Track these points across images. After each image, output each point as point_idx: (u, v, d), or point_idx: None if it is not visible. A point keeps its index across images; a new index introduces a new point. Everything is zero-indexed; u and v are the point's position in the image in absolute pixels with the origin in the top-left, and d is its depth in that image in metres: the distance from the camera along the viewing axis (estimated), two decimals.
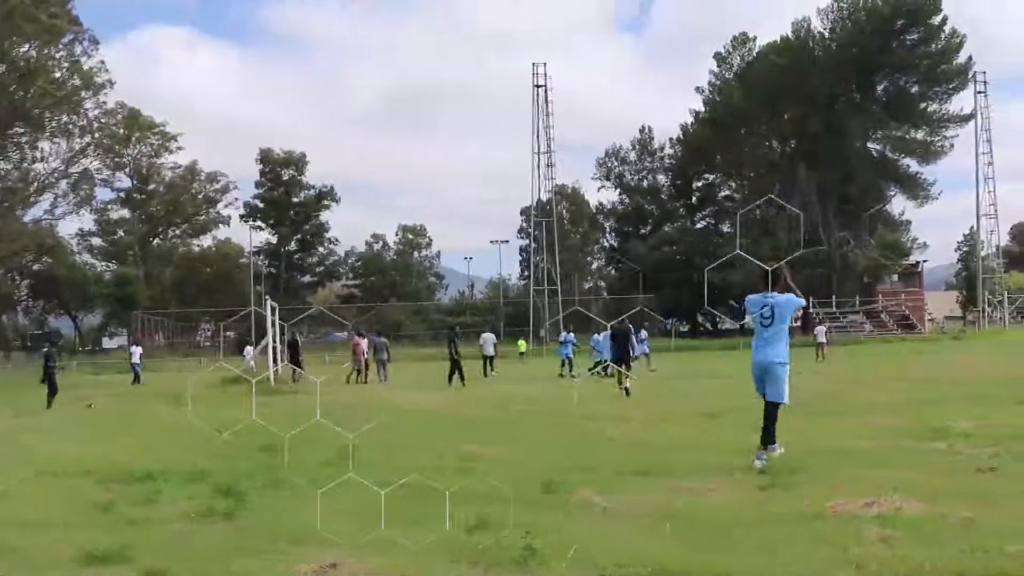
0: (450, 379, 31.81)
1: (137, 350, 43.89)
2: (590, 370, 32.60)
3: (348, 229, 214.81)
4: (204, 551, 7.44)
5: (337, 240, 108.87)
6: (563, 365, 38.04)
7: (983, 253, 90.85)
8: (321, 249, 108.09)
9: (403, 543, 7.14)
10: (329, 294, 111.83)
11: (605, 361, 31.16)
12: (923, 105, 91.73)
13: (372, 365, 36.56)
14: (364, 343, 37.27)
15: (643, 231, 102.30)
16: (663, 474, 10.45)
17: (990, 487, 8.96)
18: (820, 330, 50.01)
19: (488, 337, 39.64)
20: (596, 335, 37.82)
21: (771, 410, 11.24)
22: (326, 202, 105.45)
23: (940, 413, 15.78)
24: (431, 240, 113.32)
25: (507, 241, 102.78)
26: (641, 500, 8.90)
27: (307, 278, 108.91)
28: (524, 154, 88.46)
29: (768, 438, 11.15)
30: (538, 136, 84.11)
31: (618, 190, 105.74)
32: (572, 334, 40.40)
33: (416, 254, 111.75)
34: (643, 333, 40.07)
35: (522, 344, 60.06)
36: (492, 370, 38.04)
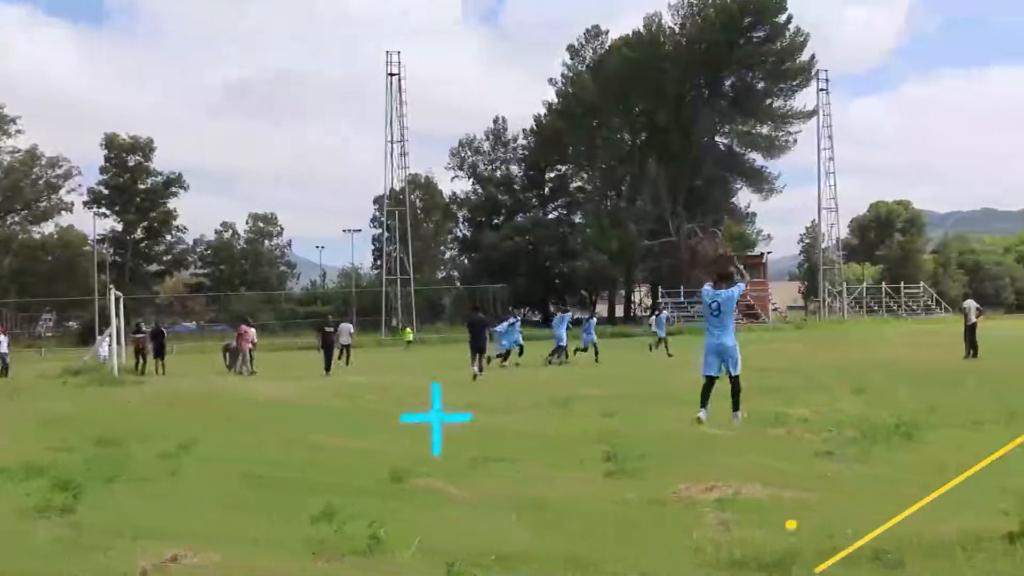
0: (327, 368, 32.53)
1: (4, 339, 41.45)
2: (498, 356, 33.29)
3: (197, 217, 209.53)
4: (40, 548, 7.16)
5: (185, 228, 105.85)
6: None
7: (824, 245, 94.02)
8: (169, 237, 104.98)
9: (246, 535, 7.01)
10: (177, 283, 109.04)
11: (511, 349, 33.39)
12: (768, 101, 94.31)
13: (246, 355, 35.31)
14: (252, 332, 36.41)
15: (496, 221, 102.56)
16: (512, 461, 10.48)
17: (825, 471, 9.28)
18: (663, 317, 51.41)
19: (345, 327, 40.13)
20: (501, 323, 37.37)
21: (735, 382, 13.66)
22: (174, 189, 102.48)
23: (780, 400, 16.29)
24: (282, 229, 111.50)
25: (360, 230, 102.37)
26: (489, 488, 8.92)
27: (154, 267, 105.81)
28: (378, 143, 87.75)
29: (736, 404, 13.61)
30: (391, 125, 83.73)
31: (471, 180, 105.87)
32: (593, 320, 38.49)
33: (267, 243, 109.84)
34: (664, 315, 40.75)
35: (408, 332, 60.42)
36: (349, 360, 38.09)
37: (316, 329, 34.73)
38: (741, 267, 16.79)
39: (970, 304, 29.57)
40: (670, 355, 34.83)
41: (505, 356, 33.14)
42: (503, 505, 8.04)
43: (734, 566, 5.93)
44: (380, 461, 10.68)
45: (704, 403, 13.55)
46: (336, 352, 36.01)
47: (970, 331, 28.28)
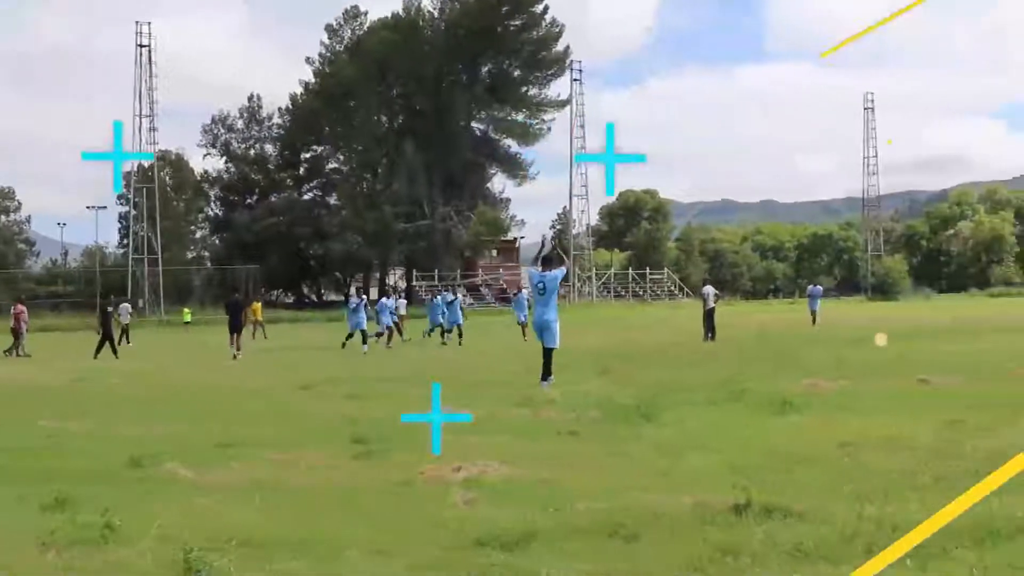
0: (97, 353, 30.29)
1: None
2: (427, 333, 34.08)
3: None
4: None
5: None
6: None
7: (575, 231, 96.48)
8: None
9: None
10: None
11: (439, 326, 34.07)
12: (524, 89, 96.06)
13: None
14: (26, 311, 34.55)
15: (249, 201, 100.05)
16: (256, 445, 10.28)
17: (569, 449, 9.52)
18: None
19: (124, 307, 39.83)
20: (435, 298, 35.98)
21: (548, 354, 16.20)
22: None
23: (528, 381, 16.60)
24: (20, 204, 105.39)
25: (105, 207, 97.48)
26: (232, 473, 8.71)
27: None
28: (126, 117, 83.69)
29: (547, 372, 16.04)
30: (140, 99, 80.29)
31: (224, 158, 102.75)
32: (524, 292, 36.81)
33: (3, 218, 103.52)
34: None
35: (187, 313, 60.22)
36: (128, 341, 37.08)
37: (100, 311, 32.83)
38: (562, 253, 18.05)
39: (709, 290, 30.96)
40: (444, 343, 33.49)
41: (456, 332, 33.35)
42: (246, 490, 7.86)
43: (476, 544, 5.97)
44: (120, 446, 10.26)
45: (546, 376, 16.10)
46: (117, 333, 34.35)
47: (709, 315, 29.62)
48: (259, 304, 48.54)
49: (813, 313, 38.74)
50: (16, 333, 33.54)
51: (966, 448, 8.66)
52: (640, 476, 7.99)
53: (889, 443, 9.18)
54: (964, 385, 13.95)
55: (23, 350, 32.98)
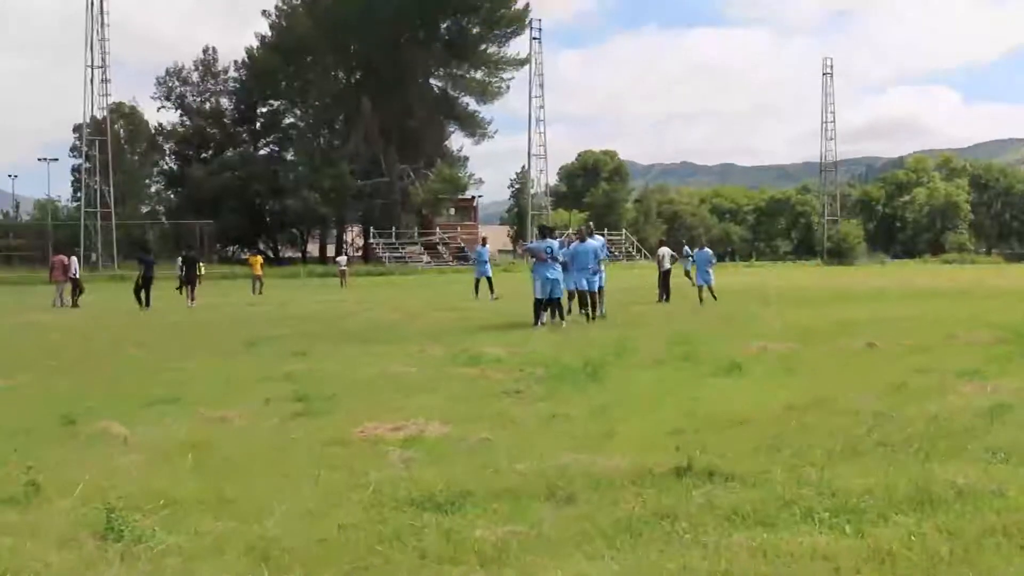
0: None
1: None
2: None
3: None
4: None
5: None
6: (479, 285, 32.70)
7: (533, 191, 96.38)
8: None
9: None
10: None
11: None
12: (483, 47, 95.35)
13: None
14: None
15: (204, 155, 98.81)
16: (194, 403, 10.08)
17: (511, 409, 9.40)
18: (341, 259, 54.44)
19: (73, 260, 37.85)
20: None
21: (556, 302, 20.26)
22: None
23: (478, 340, 16.49)
24: None
25: (57, 159, 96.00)
26: (165, 431, 8.51)
27: None
28: (79, 69, 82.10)
29: (560, 316, 20.35)
30: (91, 49, 78.60)
31: (179, 112, 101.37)
32: (487, 248, 35.20)
33: None
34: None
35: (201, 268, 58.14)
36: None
37: (140, 261, 32.24)
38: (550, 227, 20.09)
39: (664, 251, 30.80)
40: None
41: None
42: (178, 448, 7.67)
43: (408, 504, 5.85)
44: (53, 403, 10.05)
45: (537, 319, 19.89)
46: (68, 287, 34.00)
47: (664, 277, 29.52)
48: (259, 258, 48.09)
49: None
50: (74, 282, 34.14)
51: (908, 413, 8.62)
52: (581, 437, 7.89)
53: (833, 407, 9.13)
54: (911, 350, 13.96)
55: (62, 300, 33.15)
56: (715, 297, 28.04)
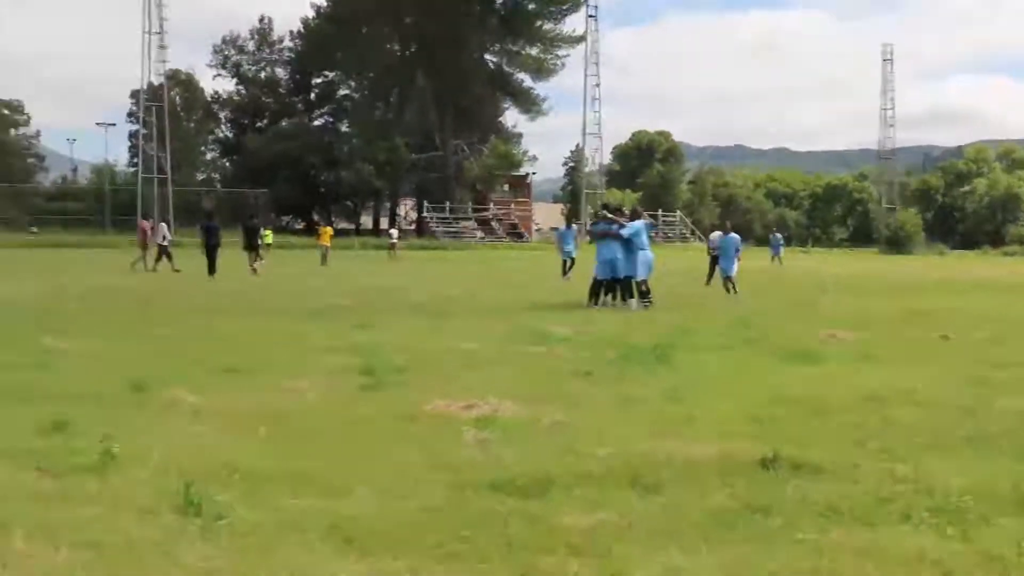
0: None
1: None
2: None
3: None
4: None
5: None
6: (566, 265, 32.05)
7: (587, 169, 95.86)
8: None
9: None
10: None
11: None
12: (539, 23, 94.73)
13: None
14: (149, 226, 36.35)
15: (260, 125, 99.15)
16: (261, 372, 10.01)
17: (584, 391, 9.20)
18: (393, 232, 57.33)
19: (163, 226, 38.64)
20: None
21: (622, 282, 19.72)
22: None
23: (541, 318, 16.31)
24: (29, 117, 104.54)
25: (114, 124, 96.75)
26: (237, 401, 8.41)
27: None
28: (135, 33, 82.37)
29: (623, 298, 19.71)
30: (149, 15, 78.82)
31: (235, 80, 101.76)
32: (574, 227, 35.36)
33: (13, 132, 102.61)
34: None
35: (269, 235, 57.89)
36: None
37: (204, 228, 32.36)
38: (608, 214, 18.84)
39: (716, 235, 30.30)
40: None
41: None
42: (251, 419, 7.54)
43: (490, 488, 5.67)
44: (123, 369, 9.98)
45: (593, 299, 19.67)
46: (154, 252, 34.59)
47: (714, 261, 29.01)
48: (330, 229, 48.22)
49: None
50: (146, 247, 34.83)
51: (995, 407, 8.34)
52: (659, 422, 7.68)
53: (915, 398, 8.86)
54: (986, 343, 13.61)
55: (146, 265, 33.72)
56: (736, 290, 24.58)
